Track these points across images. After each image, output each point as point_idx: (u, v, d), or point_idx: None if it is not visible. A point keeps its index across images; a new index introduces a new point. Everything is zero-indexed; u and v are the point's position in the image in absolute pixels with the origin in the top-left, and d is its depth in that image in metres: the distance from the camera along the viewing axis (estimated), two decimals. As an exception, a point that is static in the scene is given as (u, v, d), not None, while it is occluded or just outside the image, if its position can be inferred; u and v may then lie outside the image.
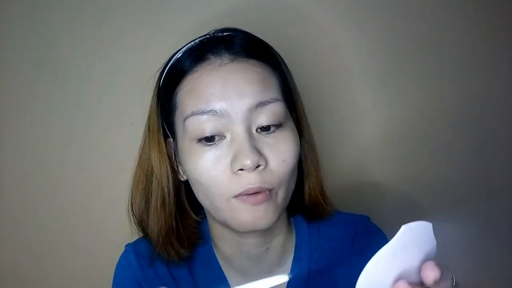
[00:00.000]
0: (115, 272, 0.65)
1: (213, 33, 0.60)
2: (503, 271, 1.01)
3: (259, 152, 0.53)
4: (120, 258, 0.66)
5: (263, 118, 0.54)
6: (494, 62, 0.94)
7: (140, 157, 0.63)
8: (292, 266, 0.63)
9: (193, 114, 0.54)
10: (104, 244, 0.86)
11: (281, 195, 0.55)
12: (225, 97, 0.53)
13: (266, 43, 0.62)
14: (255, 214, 0.53)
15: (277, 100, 0.55)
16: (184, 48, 0.60)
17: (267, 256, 0.62)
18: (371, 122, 0.92)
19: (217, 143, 0.54)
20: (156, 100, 0.61)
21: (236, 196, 0.53)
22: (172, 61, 0.60)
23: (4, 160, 0.86)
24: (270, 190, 0.54)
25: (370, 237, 0.64)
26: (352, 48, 0.90)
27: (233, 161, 0.52)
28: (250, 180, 0.52)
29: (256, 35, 0.61)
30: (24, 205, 0.87)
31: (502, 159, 0.97)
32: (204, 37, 0.60)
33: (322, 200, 0.64)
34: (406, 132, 0.93)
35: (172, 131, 0.60)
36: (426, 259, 0.39)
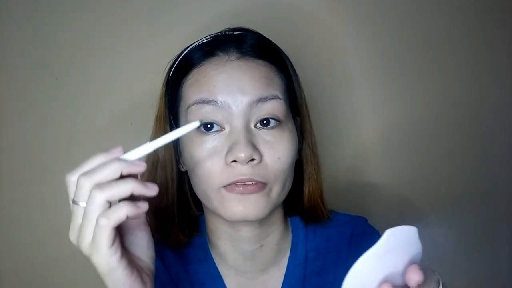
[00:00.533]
0: None
1: (226, 31, 0.61)
2: (502, 271, 1.01)
3: (254, 147, 0.53)
4: None
5: (263, 112, 0.55)
6: (494, 64, 0.94)
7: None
8: (287, 265, 0.64)
9: (195, 103, 0.55)
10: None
11: (276, 191, 0.56)
12: (227, 90, 0.54)
13: (276, 45, 0.62)
14: (245, 204, 0.54)
15: (277, 97, 0.56)
16: (197, 42, 0.61)
17: (262, 253, 0.62)
18: (372, 123, 0.93)
19: (215, 133, 0.55)
20: (164, 90, 0.62)
21: (226, 186, 0.54)
22: (183, 54, 0.61)
23: (4, 160, 0.86)
24: (264, 184, 0.54)
25: (367, 239, 0.64)
26: (353, 50, 0.90)
27: (228, 152, 0.53)
28: (242, 172, 0.53)
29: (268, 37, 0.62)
30: (24, 205, 0.87)
31: (502, 160, 0.97)
32: (216, 34, 0.61)
33: (321, 205, 0.64)
34: (405, 134, 0.94)
35: (176, 122, 0.61)
36: (411, 263, 0.40)
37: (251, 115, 0.55)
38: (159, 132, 0.61)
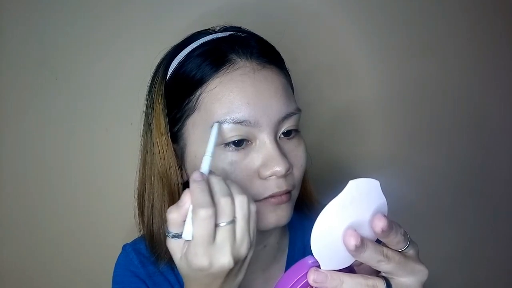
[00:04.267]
0: (115, 272, 0.64)
1: (222, 31, 0.60)
2: (503, 270, 1.01)
3: (287, 159, 0.54)
4: (119, 258, 0.65)
5: (287, 125, 0.56)
6: (494, 62, 0.94)
7: (146, 162, 0.60)
8: (287, 261, 0.65)
9: (225, 121, 0.53)
10: (104, 243, 0.86)
11: (295, 195, 0.58)
12: (259, 108, 0.53)
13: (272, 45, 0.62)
14: (277, 212, 0.55)
15: (298, 110, 0.57)
16: (193, 45, 0.58)
17: (264, 253, 0.63)
18: (373, 123, 0.93)
19: (245, 148, 0.54)
20: (163, 101, 0.58)
21: (261, 200, 0.54)
22: (181, 59, 0.58)
23: (4, 160, 0.86)
24: (290, 192, 0.56)
25: None
26: (353, 48, 0.90)
27: (263, 167, 0.53)
28: (278, 185, 0.54)
29: (261, 36, 0.61)
30: (24, 205, 0.87)
31: (502, 159, 0.97)
32: (215, 35, 0.59)
33: (313, 197, 0.66)
34: (406, 131, 0.94)
35: (179, 134, 0.58)
36: (376, 214, 0.42)
37: (278, 129, 0.55)
38: (161, 145, 0.57)
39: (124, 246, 0.66)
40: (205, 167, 0.48)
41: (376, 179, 0.42)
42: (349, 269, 0.45)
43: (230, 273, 0.45)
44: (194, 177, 0.45)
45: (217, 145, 0.53)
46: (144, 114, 0.62)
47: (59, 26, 0.84)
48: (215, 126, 0.52)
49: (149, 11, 0.85)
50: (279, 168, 0.53)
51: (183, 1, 0.85)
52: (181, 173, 0.59)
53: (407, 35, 0.91)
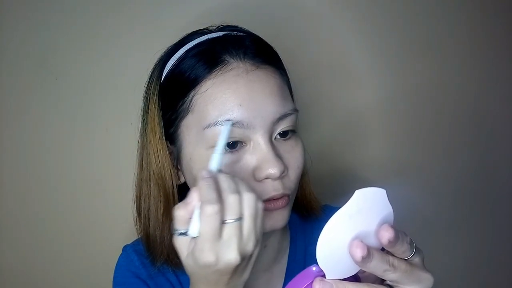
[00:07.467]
0: (115, 272, 0.64)
1: (216, 30, 0.59)
2: (503, 270, 1.01)
3: (282, 161, 0.54)
4: (119, 259, 0.65)
5: (282, 126, 0.55)
6: (494, 62, 0.94)
7: (143, 164, 0.60)
8: (288, 261, 0.64)
9: (217, 124, 0.53)
10: (104, 244, 0.86)
11: (292, 198, 0.57)
12: (252, 109, 0.53)
13: (270, 45, 0.61)
14: (272, 217, 0.54)
15: (295, 111, 0.56)
16: (188, 46, 0.57)
17: (265, 253, 0.62)
18: (373, 122, 0.93)
19: (238, 150, 0.54)
20: (157, 102, 0.58)
21: None
22: (175, 60, 0.57)
23: (4, 160, 0.86)
24: (288, 195, 0.55)
25: None
26: (354, 48, 0.90)
27: (258, 169, 0.53)
28: (275, 187, 0.53)
29: (258, 35, 0.61)
30: (24, 205, 0.87)
31: (503, 158, 0.97)
32: (210, 35, 0.58)
33: (313, 198, 0.66)
34: (406, 132, 0.94)
35: (175, 136, 0.58)
36: (382, 223, 0.42)
37: (273, 130, 0.55)
38: (156, 147, 0.57)
39: (125, 247, 0.66)
40: (213, 165, 0.48)
41: (382, 187, 0.41)
42: (354, 278, 0.44)
43: (236, 270, 0.45)
44: (202, 175, 0.45)
45: (211, 147, 0.53)
46: (140, 115, 0.62)
47: (59, 26, 0.84)
48: (226, 124, 0.51)
49: (150, 10, 0.85)
50: (273, 170, 0.52)
51: (183, 0, 0.85)
52: (178, 175, 0.59)
53: (407, 35, 0.91)
